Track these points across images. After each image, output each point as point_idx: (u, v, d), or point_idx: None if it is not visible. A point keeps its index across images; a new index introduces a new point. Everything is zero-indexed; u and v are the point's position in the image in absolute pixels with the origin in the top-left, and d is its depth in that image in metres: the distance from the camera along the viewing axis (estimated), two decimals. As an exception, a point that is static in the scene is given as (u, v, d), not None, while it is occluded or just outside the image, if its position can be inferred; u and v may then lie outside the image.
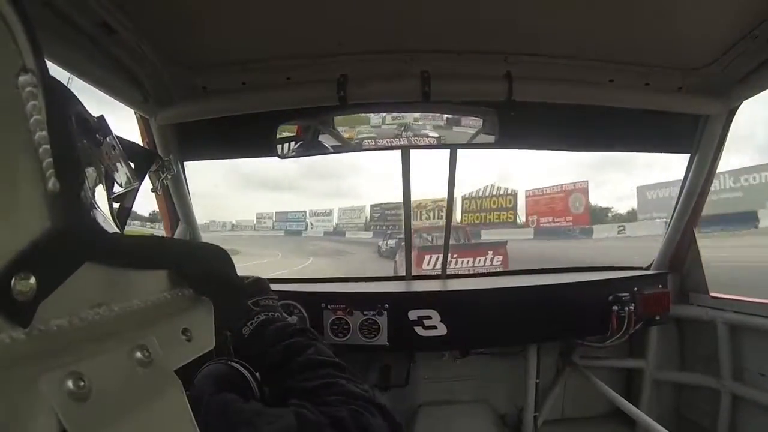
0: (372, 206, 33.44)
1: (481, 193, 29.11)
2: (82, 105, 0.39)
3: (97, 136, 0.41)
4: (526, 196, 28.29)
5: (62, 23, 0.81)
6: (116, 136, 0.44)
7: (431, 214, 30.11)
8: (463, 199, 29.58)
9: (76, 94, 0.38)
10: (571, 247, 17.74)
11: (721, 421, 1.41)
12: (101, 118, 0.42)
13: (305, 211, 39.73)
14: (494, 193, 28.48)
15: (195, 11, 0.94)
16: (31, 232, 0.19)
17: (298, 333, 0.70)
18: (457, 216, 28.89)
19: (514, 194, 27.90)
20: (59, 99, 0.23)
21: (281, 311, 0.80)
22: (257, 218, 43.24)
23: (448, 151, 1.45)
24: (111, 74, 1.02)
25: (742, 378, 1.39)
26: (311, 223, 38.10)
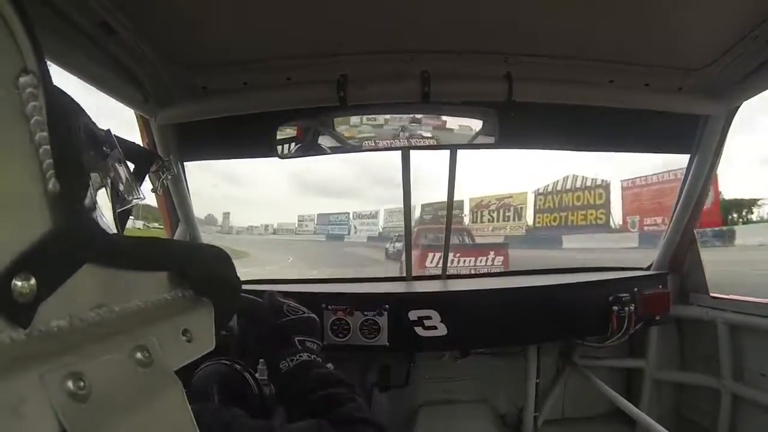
0: (423, 206, 27.04)
1: (559, 187, 21.94)
2: (90, 118, 0.40)
3: (105, 149, 0.41)
4: (623, 189, 19.78)
5: (62, 23, 0.81)
6: (116, 136, 0.45)
7: (495, 215, 24.25)
8: (536, 195, 23.17)
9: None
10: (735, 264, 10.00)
11: (721, 421, 1.41)
12: (108, 131, 0.43)
13: (348, 213, 34.83)
14: (577, 185, 21.17)
15: (195, 11, 0.94)
16: (32, 232, 0.19)
17: (340, 384, 0.69)
18: (529, 218, 23.27)
19: (606, 186, 20.13)
20: (60, 100, 0.23)
21: (321, 358, 0.78)
22: (299, 221, 40.03)
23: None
24: (111, 74, 1.02)
25: (743, 378, 1.39)
26: (355, 227, 33.20)
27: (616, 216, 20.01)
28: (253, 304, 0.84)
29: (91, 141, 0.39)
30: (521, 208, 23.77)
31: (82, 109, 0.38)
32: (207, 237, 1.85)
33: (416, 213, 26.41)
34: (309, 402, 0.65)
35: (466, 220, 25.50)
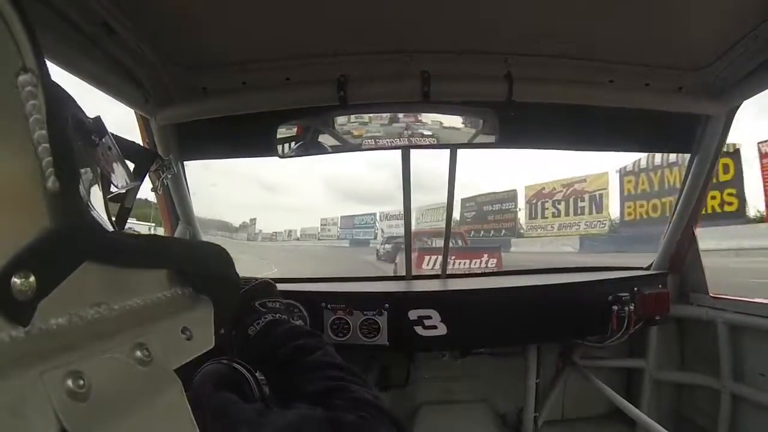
0: (464, 200, 21.82)
1: (658, 161, 15.06)
2: (79, 106, 0.39)
3: (93, 137, 0.41)
4: (763, 155, 11.89)
5: (62, 23, 0.81)
6: (116, 135, 0.45)
7: (561, 208, 18.29)
8: (622, 175, 16.50)
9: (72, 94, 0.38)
10: None
11: (721, 421, 1.41)
12: (98, 119, 0.43)
13: (375, 214, 30.10)
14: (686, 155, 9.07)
15: (195, 11, 0.94)
16: (31, 230, 0.19)
17: (308, 335, 0.69)
18: (614, 208, 16.94)
19: (734, 153, 11.89)
20: (58, 98, 0.23)
21: (288, 315, 0.78)
22: (321, 225, 36.11)
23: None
24: (111, 74, 1.02)
25: (742, 378, 1.39)
26: (382, 230, 27.77)
27: (754, 199, 11.98)
28: None
29: (79, 130, 0.38)
30: (600, 195, 17.42)
31: (71, 97, 0.38)
32: (209, 239, 1.84)
33: (456, 209, 20.44)
34: (279, 356, 0.65)
35: (521, 215, 20.33)
